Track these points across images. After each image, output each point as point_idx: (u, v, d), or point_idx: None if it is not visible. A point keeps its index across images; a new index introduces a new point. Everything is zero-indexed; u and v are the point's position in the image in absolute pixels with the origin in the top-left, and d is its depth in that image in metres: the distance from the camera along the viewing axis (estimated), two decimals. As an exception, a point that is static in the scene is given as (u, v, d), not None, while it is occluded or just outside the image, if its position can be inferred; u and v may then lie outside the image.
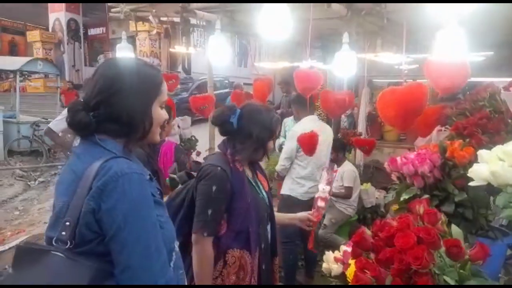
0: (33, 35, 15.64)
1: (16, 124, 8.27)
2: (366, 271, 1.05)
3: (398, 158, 1.62)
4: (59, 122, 3.98)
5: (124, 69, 1.05)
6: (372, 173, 4.34)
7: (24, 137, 8.16)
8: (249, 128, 1.60)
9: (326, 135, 3.16)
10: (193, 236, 1.53)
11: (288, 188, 3.07)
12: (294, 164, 3.05)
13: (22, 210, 5.30)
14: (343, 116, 5.47)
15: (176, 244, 1.12)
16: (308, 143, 2.71)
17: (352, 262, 1.22)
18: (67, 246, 0.90)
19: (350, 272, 1.20)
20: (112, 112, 1.01)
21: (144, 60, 1.17)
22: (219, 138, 5.17)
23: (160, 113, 1.10)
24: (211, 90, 4.26)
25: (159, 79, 1.10)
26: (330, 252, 1.53)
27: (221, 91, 11.92)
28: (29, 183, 6.58)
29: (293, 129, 3.09)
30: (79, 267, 0.89)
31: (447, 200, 1.49)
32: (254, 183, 1.69)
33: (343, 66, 2.56)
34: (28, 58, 9.66)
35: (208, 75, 4.37)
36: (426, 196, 1.45)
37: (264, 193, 1.72)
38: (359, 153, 4.33)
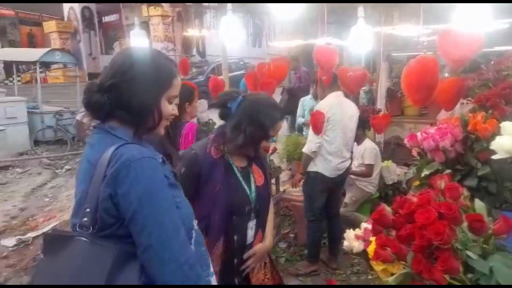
0: (50, 26, 15.84)
1: (39, 114, 8.51)
2: (387, 248, 1.05)
3: (418, 134, 1.59)
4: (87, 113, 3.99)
5: (140, 58, 1.07)
6: (393, 150, 4.28)
7: (48, 127, 8.39)
8: (242, 120, 1.52)
9: (351, 111, 3.12)
10: None
11: (314, 164, 3.03)
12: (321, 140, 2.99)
13: (51, 197, 5.52)
14: (361, 92, 5.37)
15: (195, 223, 1.15)
16: (314, 122, 2.69)
17: (372, 239, 1.23)
18: (89, 231, 0.96)
19: (371, 249, 1.21)
20: (122, 99, 1.03)
21: (161, 52, 1.18)
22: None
23: (167, 107, 1.10)
24: (225, 73, 4.24)
25: (173, 73, 1.11)
26: (351, 230, 1.53)
27: (236, 73, 11.86)
28: (56, 171, 6.81)
29: (320, 105, 3.03)
30: (102, 249, 0.94)
31: (470, 175, 1.46)
32: (239, 174, 1.60)
33: (359, 41, 2.50)
34: (46, 49, 9.81)
35: (222, 57, 4.34)
36: (448, 171, 1.43)
37: (253, 187, 1.61)
38: (379, 130, 4.26)
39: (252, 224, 1.60)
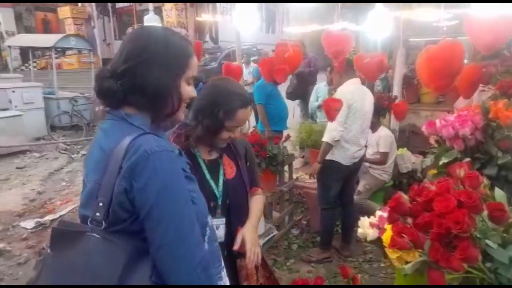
0: (64, 12, 15.91)
1: (55, 100, 8.63)
2: (404, 235, 1.05)
3: (437, 121, 1.56)
4: None
5: (154, 38, 1.00)
6: (408, 138, 4.21)
7: (64, 112, 8.52)
8: (199, 110, 1.42)
9: (369, 99, 3.07)
10: None
11: (331, 152, 2.98)
12: None
13: (68, 181, 5.64)
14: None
15: (209, 219, 1.10)
16: (327, 109, 2.65)
17: (388, 227, 1.22)
18: (102, 227, 0.91)
19: (386, 237, 1.20)
20: (138, 83, 0.96)
21: (175, 31, 1.11)
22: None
23: (187, 89, 1.03)
24: (239, 59, 4.21)
25: (190, 52, 1.03)
26: (366, 217, 1.53)
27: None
28: (72, 156, 6.94)
29: (341, 92, 2.97)
30: (115, 247, 0.90)
31: (490, 163, 1.44)
32: (205, 167, 1.49)
33: (376, 26, 2.44)
34: (61, 35, 9.87)
35: (236, 43, 4.29)
36: (467, 159, 1.40)
37: (221, 181, 1.49)
38: (394, 118, 4.20)
39: (218, 222, 1.46)
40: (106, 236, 0.91)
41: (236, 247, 1.43)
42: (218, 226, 1.45)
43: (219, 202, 1.48)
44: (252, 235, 1.47)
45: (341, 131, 2.88)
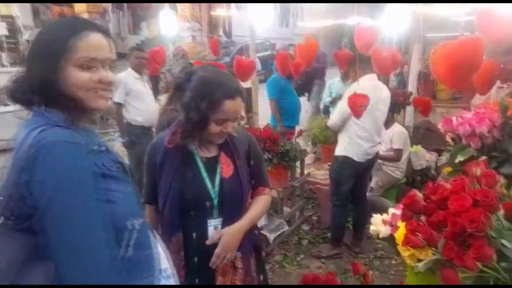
0: (80, 6, 16.13)
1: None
2: (417, 233, 1.04)
3: (454, 118, 1.53)
4: (118, 90, 3.68)
5: (37, 33, 0.95)
6: (422, 135, 4.15)
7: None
8: (185, 101, 1.32)
9: (385, 95, 3.03)
10: None
11: (343, 149, 2.98)
12: (352, 123, 2.91)
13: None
14: (391, 74, 5.20)
15: (138, 222, 0.99)
16: (352, 105, 2.62)
17: (401, 224, 1.21)
18: (1, 222, 0.86)
19: (400, 235, 1.19)
20: (30, 80, 0.91)
21: (62, 19, 1.04)
22: (262, 103, 5.15)
23: (78, 75, 0.90)
24: (253, 53, 4.19)
25: (68, 33, 0.90)
26: (378, 214, 1.52)
27: (262, 54, 11.74)
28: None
29: (356, 87, 2.96)
30: (13, 243, 0.86)
31: (507, 162, 1.41)
32: (202, 165, 1.41)
33: (394, 21, 2.40)
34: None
35: (249, 38, 4.28)
36: (484, 157, 1.38)
37: (217, 180, 1.40)
38: (408, 114, 4.14)
39: (215, 223, 1.39)
40: (5, 232, 0.87)
41: (208, 242, 1.36)
42: (216, 227, 1.39)
43: (215, 202, 1.39)
44: (229, 239, 1.36)
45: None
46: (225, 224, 1.39)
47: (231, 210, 1.41)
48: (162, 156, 1.40)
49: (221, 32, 14.65)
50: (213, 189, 1.39)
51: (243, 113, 7.42)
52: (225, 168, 1.42)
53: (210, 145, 1.43)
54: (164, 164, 1.39)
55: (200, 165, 1.41)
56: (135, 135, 3.83)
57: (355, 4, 2.44)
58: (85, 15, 15.91)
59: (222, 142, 1.43)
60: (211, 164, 1.42)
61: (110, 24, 16.15)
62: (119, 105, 3.79)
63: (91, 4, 16.07)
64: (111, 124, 8.48)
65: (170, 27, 4.28)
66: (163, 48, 4.34)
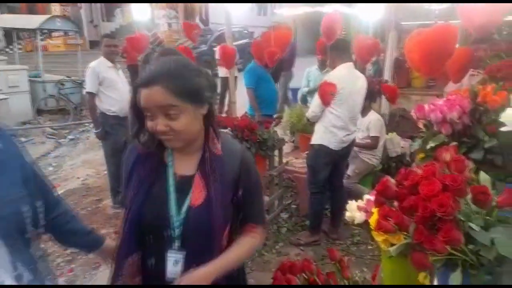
0: (51, -7, 15.46)
1: (41, 83, 8.45)
2: (389, 218, 1.05)
3: (426, 105, 1.56)
4: (90, 79, 3.62)
5: None
6: (397, 122, 4.24)
7: (51, 96, 8.35)
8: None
9: (360, 84, 3.05)
10: None
11: (319, 137, 3.03)
12: (327, 112, 2.95)
13: (55, 166, 5.57)
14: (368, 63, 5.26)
15: None
16: (322, 93, 2.64)
17: (375, 210, 1.23)
18: None
19: (373, 220, 1.21)
20: None
21: None
22: (240, 92, 5.11)
23: None
24: (229, 41, 4.13)
25: None
26: (353, 201, 1.54)
27: (240, 41, 11.63)
28: (59, 140, 6.85)
29: (330, 76, 2.97)
30: None
31: (476, 147, 1.44)
32: (172, 184, 1.15)
33: (368, 9, 2.41)
34: (46, 16, 9.59)
35: (225, 25, 4.21)
36: (454, 143, 1.41)
37: (184, 208, 1.13)
38: (384, 102, 4.21)
39: (176, 257, 1.13)
40: None
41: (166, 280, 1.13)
42: (178, 261, 1.13)
43: (176, 232, 1.12)
44: None
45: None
46: (188, 261, 1.12)
47: (197, 245, 1.13)
48: (132, 162, 1.19)
49: (197, 20, 14.39)
50: (177, 216, 1.13)
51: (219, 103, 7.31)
52: (196, 194, 1.14)
53: (188, 160, 1.17)
54: (133, 171, 1.18)
55: (171, 182, 1.15)
56: (109, 126, 3.73)
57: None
58: (58, 5, 15.27)
59: (201, 158, 1.16)
60: (184, 185, 1.15)
61: (82, 11, 15.57)
62: (92, 95, 3.68)
63: (61, -10, 15.42)
64: (85, 115, 8.26)
65: (142, 13, 4.16)
66: (144, 35, 4.17)
